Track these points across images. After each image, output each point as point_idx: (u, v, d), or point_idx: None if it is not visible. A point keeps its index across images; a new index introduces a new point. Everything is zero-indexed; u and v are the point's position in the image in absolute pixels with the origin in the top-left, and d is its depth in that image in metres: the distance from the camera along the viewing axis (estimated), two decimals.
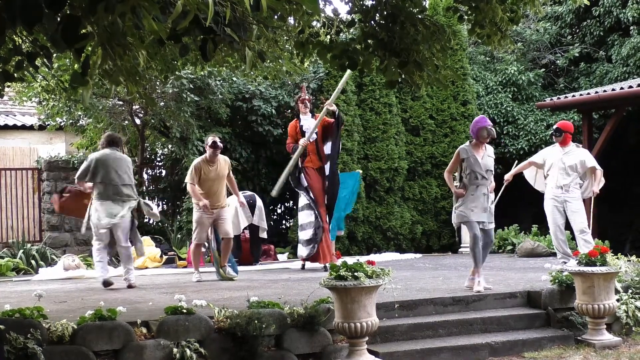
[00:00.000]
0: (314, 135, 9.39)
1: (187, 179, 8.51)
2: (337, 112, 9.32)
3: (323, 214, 9.32)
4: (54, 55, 6.37)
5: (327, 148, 9.46)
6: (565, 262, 8.29)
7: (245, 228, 10.82)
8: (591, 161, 8.39)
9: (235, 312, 5.41)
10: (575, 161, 8.31)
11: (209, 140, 8.50)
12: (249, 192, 11.26)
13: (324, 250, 9.33)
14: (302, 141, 9.29)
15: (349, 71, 9.24)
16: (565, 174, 8.31)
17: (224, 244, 8.67)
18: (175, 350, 5.08)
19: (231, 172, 8.75)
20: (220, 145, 8.47)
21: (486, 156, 7.24)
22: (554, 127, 8.67)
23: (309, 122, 9.52)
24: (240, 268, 10.41)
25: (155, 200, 14.05)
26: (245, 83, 12.67)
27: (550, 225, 8.48)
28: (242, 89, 12.74)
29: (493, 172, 7.36)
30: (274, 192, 9.60)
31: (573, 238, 8.81)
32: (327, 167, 9.49)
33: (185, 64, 7.19)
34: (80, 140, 13.58)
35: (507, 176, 8.79)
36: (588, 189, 8.48)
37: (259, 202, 11.09)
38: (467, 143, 7.28)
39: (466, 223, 7.19)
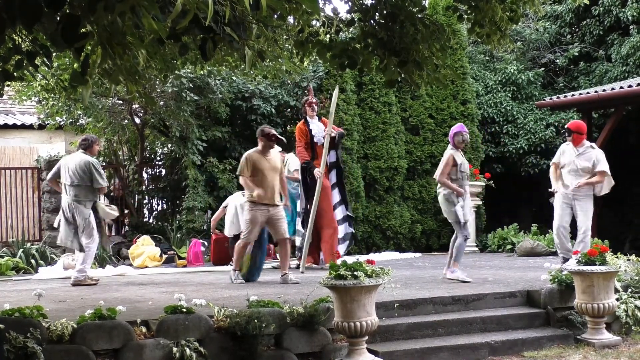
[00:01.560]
0: (321, 139, 9.50)
1: (238, 171, 7.97)
2: (336, 137, 9.54)
3: (324, 215, 9.44)
4: (54, 54, 6.37)
5: (332, 157, 9.66)
6: (566, 260, 8.30)
7: None
8: (603, 165, 8.20)
9: (235, 311, 5.41)
10: (589, 164, 8.21)
11: (266, 130, 7.92)
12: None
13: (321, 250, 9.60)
14: (317, 172, 9.22)
15: (336, 90, 9.42)
16: (577, 176, 8.26)
17: (283, 247, 8.11)
18: (174, 349, 5.08)
19: (284, 169, 8.31)
20: (281, 138, 8.03)
21: (465, 159, 7.86)
22: (565, 126, 8.62)
23: (317, 126, 9.59)
24: None
25: (155, 200, 14.05)
26: (244, 82, 12.66)
27: (555, 222, 8.46)
28: (242, 88, 12.74)
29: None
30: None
31: (573, 237, 8.77)
32: (333, 174, 9.77)
33: (185, 63, 7.19)
34: (79, 139, 13.57)
35: (554, 189, 8.61)
36: (600, 188, 8.33)
37: None
38: (452, 149, 7.76)
39: (464, 224, 7.69)
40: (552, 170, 8.64)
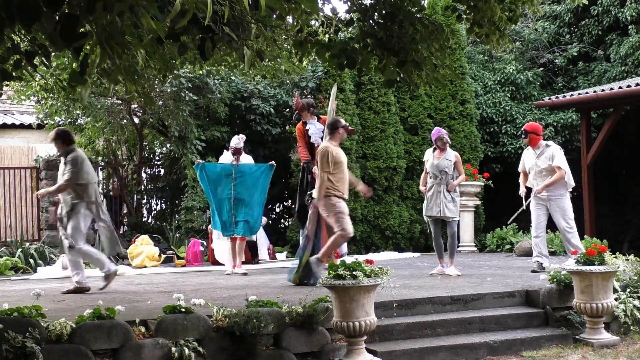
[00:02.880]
0: (318, 140, 9.43)
1: (324, 168, 7.39)
2: None
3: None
4: (53, 54, 6.37)
5: None
6: (540, 263, 8.40)
7: None
8: (558, 160, 8.31)
9: (234, 311, 5.41)
10: (548, 162, 8.39)
11: (343, 122, 7.74)
12: None
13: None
14: (315, 170, 8.93)
15: (334, 89, 9.36)
16: (541, 177, 8.42)
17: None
18: (173, 349, 5.08)
19: None
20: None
21: (443, 159, 8.41)
22: (522, 128, 8.83)
23: (314, 127, 9.55)
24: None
25: (154, 199, 14.04)
26: (243, 82, 12.66)
27: (532, 224, 8.66)
28: (241, 88, 12.74)
29: (449, 173, 8.38)
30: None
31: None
32: None
33: (184, 63, 7.19)
34: (78, 139, 13.56)
35: (521, 193, 8.93)
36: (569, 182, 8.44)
37: None
38: (432, 148, 8.59)
39: (427, 219, 8.64)
40: (521, 177, 8.90)
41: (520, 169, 8.88)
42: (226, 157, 9.81)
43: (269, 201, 13.57)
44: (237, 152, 9.50)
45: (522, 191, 8.84)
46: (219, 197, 9.28)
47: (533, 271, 8.35)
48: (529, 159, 8.64)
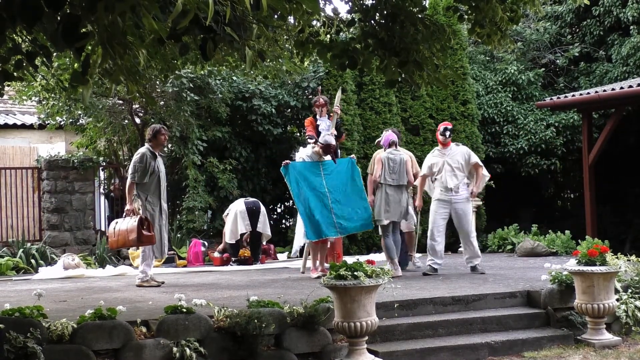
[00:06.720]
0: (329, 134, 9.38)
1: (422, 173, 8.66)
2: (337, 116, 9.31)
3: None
4: (54, 54, 6.38)
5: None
6: (433, 268, 8.46)
7: None
8: (475, 157, 8.48)
9: (235, 311, 5.41)
10: (460, 160, 8.41)
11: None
12: (252, 199, 11.26)
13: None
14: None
15: (340, 91, 9.39)
16: (453, 176, 8.40)
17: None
18: (175, 349, 5.08)
19: None
20: None
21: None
22: (445, 126, 8.63)
23: (325, 124, 9.53)
24: (240, 267, 10.44)
25: None
26: (245, 82, 12.67)
27: (430, 226, 8.58)
28: (242, 88, 12.75)
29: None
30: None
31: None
32: None
33: (185, 63, 7.20)
34: (80, 139, 13.58)
35: (417, 204, 8.83)
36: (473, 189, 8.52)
37: (263, 209, 11.08)
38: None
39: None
40: (420, 182, 8.68)
41: (426, 172, 8.62)
42: (303, 152, 9.03)
43: (270, 201, 13.59)
44: (327, 151, 8.66)
45: (418, 204, 8.75)
46: (314, 195, 8.44)
47: (424, 274, 8.44)
48: (436, 160, 8.51)
